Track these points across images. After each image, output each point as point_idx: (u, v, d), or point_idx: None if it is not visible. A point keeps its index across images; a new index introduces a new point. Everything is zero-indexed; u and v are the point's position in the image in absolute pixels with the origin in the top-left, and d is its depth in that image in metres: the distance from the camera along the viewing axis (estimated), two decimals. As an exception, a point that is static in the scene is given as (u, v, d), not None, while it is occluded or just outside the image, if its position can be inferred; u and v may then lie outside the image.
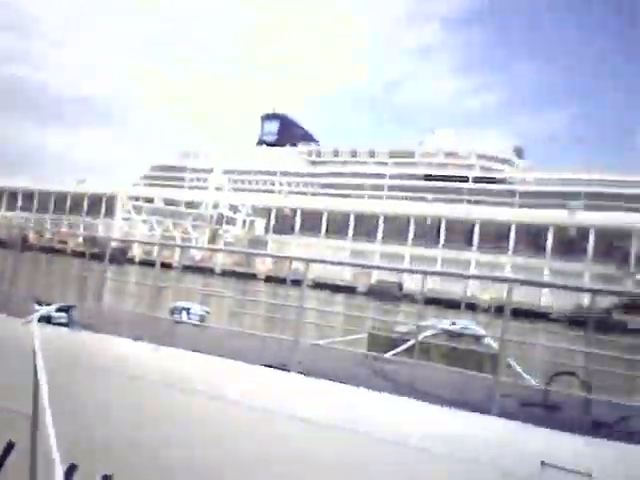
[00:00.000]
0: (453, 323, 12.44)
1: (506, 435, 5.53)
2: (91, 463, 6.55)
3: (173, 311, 10.05)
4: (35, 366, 7.25)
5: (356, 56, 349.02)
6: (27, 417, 7.04)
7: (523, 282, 6.88)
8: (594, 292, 7.85)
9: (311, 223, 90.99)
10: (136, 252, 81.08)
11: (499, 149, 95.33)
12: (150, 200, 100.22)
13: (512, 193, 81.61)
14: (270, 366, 7.04)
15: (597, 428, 5.74)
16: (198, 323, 9.93)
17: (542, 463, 4.99)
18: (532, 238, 76.98)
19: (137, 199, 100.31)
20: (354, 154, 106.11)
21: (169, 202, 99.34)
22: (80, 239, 72.68)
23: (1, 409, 7.29)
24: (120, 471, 6.39)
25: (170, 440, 6.42)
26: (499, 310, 6.11)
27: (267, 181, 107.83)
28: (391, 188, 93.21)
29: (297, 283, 7.31)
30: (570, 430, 5.47)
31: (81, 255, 9.23)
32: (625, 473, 4.92)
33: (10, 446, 7.06)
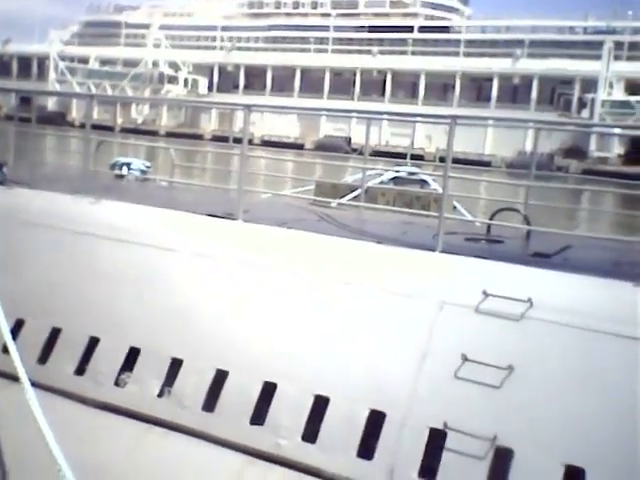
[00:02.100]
0: (398, 171, 12.52)
1: (450, 269, 5.66)
2: (38, 317, 6.53)
3: (113, 166, 9.82)
4: (-30, 224, 7.03)
5: None
6: None
7: (463, 118, 6.84)
8: (537, 128, 7.86)
9: (256, 80, 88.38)
10: (75, 116, 78.26)
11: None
12: (85, 60, 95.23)
13: (457, 42, 79.93)
14: (216, 216, 6.96)
15: (537, 258, 5.93)
16: (139, 176, 9.73)
17: (484, 292, 5.14)
18: (477, 88, 76.67)
19: (71, 60, 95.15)
20: (296, 5, 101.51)
21: (105, 62, 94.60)
22: (12, 101, 69.23)
23: None
24: (68, 324, 6.40)
25: (116, 291, 6.40)
26: (444, 161, 6.08)
27: (208, 37, 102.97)
28: (336, 41, 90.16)
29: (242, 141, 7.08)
30: (512, 261, 5.62)
31: (14, 119, 8.69)
32: (563, 298, 5.12)
33: None
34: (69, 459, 3.74)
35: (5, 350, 5.79)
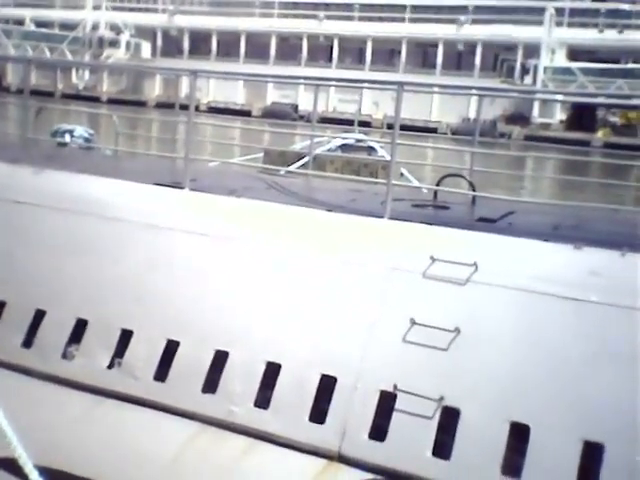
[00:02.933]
0: (346, 138, 12.55)
1: (398, 235, 5.74)
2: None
3: (55, 133, 9.56)
4: None
5: None
6: None
7: (410, 84, 6.89)
8: (480, 95, 7.98)
9: (200, 45, 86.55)
10: (11, 81, 75.44)
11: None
12: (21, 22, 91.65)
13: (403, 8, 79.62)
14: (162, 185, 6.88)
15: (482, 223, 6.06)
16: (83, 144, 9.51)
17: (431, 257, 5.23)
18: (422, 54, 76.83)
19: (7, 21, 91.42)
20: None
21: (41, 24, 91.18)
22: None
23: None
24: (13, 297, 6.28)
25: (62, 263, 6.29)
26: (392, 128, 6.12)
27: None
28: (282, 5, 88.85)
29: (188, 108, 6.99)
30: (458, 226, 5.73)
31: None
32: (507, 262, 5.27)
33: None
34: (18, 433, 3.69)
35: (-52, 325, 5.67)
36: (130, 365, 5.59)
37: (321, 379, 5.07)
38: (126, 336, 5.72)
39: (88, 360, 5.74)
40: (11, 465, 4.02)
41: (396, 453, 4.70)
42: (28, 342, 6.01)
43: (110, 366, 5.68)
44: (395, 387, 4.84)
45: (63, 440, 5.16)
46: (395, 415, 4.80)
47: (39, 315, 6.07)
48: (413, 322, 5.01)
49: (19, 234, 6.60)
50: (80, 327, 5.90)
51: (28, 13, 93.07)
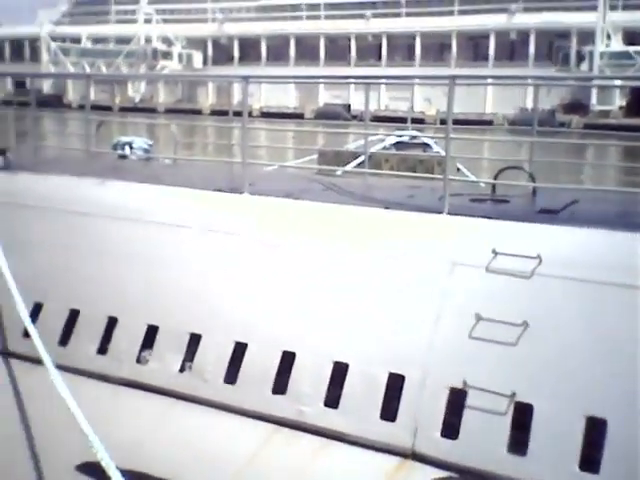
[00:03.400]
0: (400, 135, 12.52)
1: (458, 230, 5.70)
2: (55, 301, 6.61)
3: (115, 146, 9.84)
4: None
5: None
6: None
7: (462, 77, 6.83)
8: (536, 85, 7.85)
9: (250, 51, 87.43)
10: (72, 98, 77.81)
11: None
12: (77, 40, 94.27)
13: (451, 0, 78.67)
14: (222, 190, 7.00)
15: (545, 215, 5.96)
16: (142, 155, 9.74)
17: (493, 251, 5.18)
18: (474, 46, 75.66)
19: (63, 40, 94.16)
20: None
21: (97, 40, 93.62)
22: (9, 86, 69.50)
23: None
24: (86, 305, 6.48)
25: (129, 270, 6.47)
26: (445, 123, 6.08)
27: (198, 9, 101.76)
28: (328, 7, 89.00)
29: (241, 114, 7.10)
30: (519, 219, 5.66)
31: (12, 104, 8.69)
32: (572, 253, 5.17)
33: None
34: (99, 438, 3.82)
35: (26, 334, 5.90)
36: (200, 368, 5.72)
37: (389, 377, 5.08)
38: (195, 340, 5.84)
39: (161, 365, 5.89)
40: (94, 469, 4.18)
41: (470, 450, 4.66)
42: (103, 349, 6.21)
43: (182, 370, 5.82)
44: (465, 383, 4.81)
45: (141, 443, 5.31)
46: (466, 412, 4.77)
47: (111, 323, 6.26)
48: (479, 317, 4.96)
49: (87, 244, 6.82)
50: (151, 333, 6.06)
51: (84, 30, 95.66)
